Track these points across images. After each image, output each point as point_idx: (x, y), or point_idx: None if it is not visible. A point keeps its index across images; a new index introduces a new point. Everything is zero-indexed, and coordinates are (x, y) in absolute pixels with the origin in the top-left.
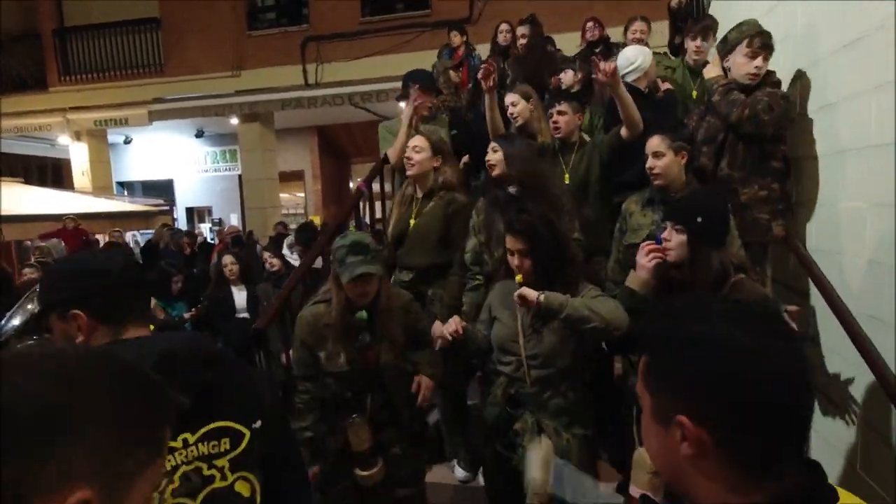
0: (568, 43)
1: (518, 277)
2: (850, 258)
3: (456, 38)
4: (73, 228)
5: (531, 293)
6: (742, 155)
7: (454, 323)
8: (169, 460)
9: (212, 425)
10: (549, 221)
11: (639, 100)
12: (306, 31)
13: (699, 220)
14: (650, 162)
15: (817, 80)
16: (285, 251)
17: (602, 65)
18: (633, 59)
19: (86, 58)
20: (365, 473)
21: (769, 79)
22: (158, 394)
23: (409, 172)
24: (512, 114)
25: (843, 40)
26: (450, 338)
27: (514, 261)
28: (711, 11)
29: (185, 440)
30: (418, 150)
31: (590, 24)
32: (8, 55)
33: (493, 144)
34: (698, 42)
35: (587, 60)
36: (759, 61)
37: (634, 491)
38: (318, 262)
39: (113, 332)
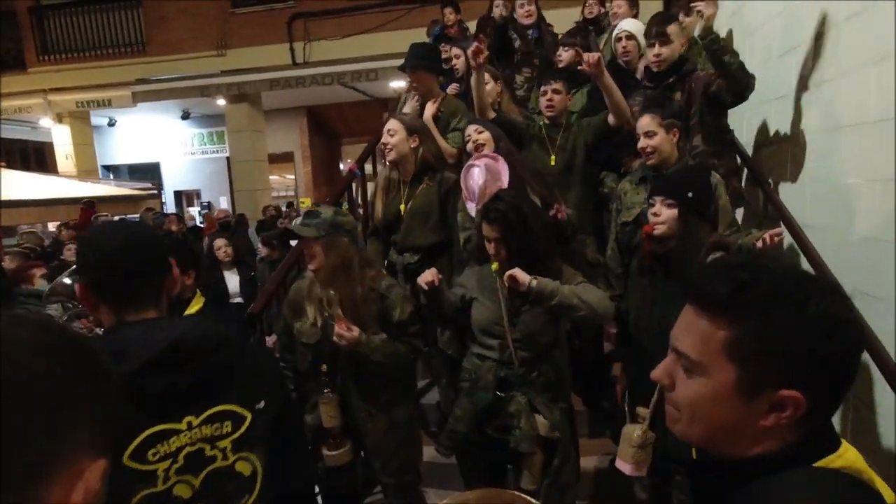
0: (556, 20)
1: (494, 265)
2: (846, 234)
3: (451, 16)
4: (87, 211)
5: (524, 277)
6: (711, 129)
7: (430, 274)
8: (174, 441)
9: (215, 409)
10: (520, 210)
11: (629, 79)
12: (293, 7)
13: (690, 194)
14: (642, 142)
15: (815, 55)
16: None
17: (586, 55)
18: (628, 26)
19: (65, 37)
20: (329, 453)
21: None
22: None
23: (388, 158)
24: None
25: (843, 14)
26: (425, 287)
27: (490, 248)
28: None
29: (189, 423)
30: (392, 132)
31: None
32: None
33: (476, 126)
34: (655, 49)
35: (585, 36)
36: (655, 48)
37: (620, 464)
38: None
39: (115, 312)
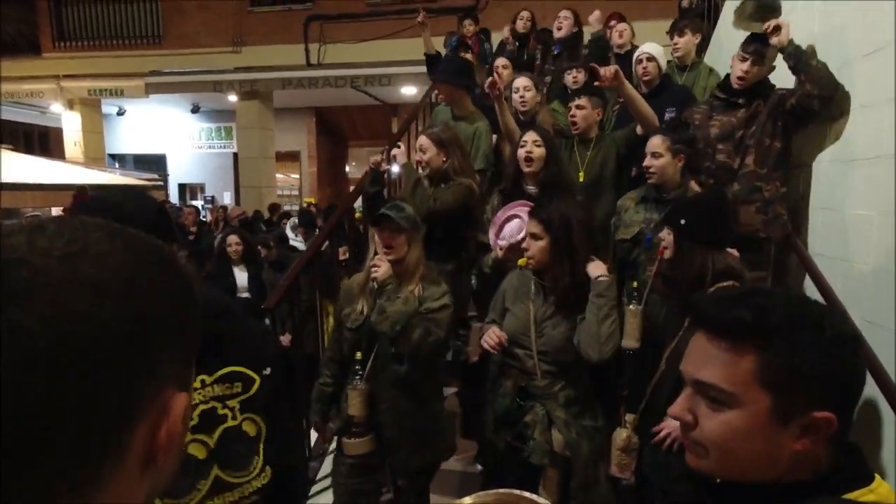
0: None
1: (522, 261)
2: (855, 265)
3: (470, 27)
4: (79, 198)
5: (601, 269)
6: (767, 151)
7: (496, 335)
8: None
9: (226, 369)
10: (568, 217)
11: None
12: (310, 9)
13: (682, 221)
14: (647, 161)
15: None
16: (288, 233)
17: (602, 70)
18: (649, 49)
19: (82, 24)
20: (348, 440)
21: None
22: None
23: (422, 173)
24: (523, 98)
25: (861, 51)
26: (494, 351)
27: (526, 243)
28: (726, 10)
29: (202, 381)
30: (423, 149)
31: (612, 21)
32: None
33: (535, 138)
34: (675, 38)
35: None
36: (746, 65)
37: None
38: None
39: None
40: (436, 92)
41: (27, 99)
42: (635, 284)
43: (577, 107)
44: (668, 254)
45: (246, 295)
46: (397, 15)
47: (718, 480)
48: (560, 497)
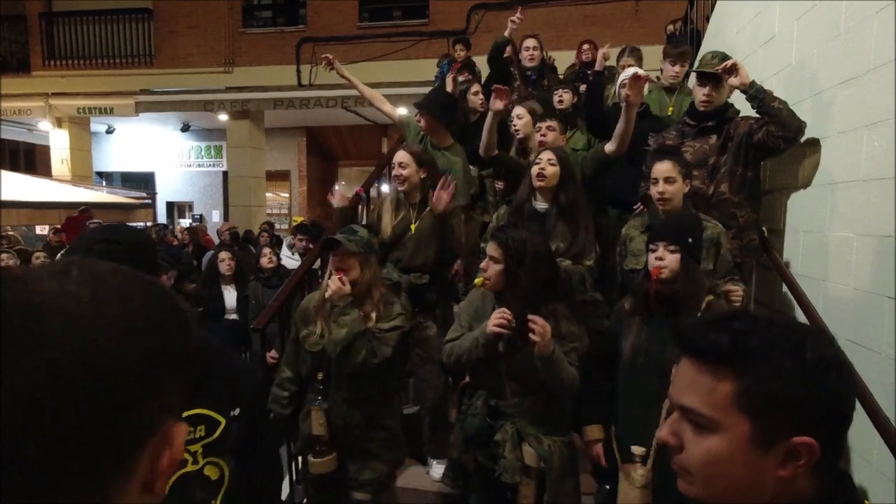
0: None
1: (478, 280)
2: (836, 285)
3: (461, 52)
4: (80, 217)
5: (548, 344)
6: (741, 179)
7: (502, 314)
8: None
9: (191, 412)
10: (536, 247)
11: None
12: (303, 31)
13: (690, 240)
14: (661, 187)
15: (811, 114)
16: (284, 251)
17: (641, 73)
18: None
19: (73, 43)
20: (313, 459)
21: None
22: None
23: (400, 188)
24: (516, 126)
25: (837, 79)
26: (503, 331)
27: (484, 263)
28: (708, 38)
29: None
30: (404, 165)
31: (585, 45)
32: None
33: (550, 156)
34: (677, 68)
35: (584, 80)
36: (706, 90)
37: None
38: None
39: None
40: (417, 115)
41: (14, 116)
42: None
43: (549, 127)
44: (666, 273)
45: (234, 316)
46: (387, 38)
47: None
48: None
